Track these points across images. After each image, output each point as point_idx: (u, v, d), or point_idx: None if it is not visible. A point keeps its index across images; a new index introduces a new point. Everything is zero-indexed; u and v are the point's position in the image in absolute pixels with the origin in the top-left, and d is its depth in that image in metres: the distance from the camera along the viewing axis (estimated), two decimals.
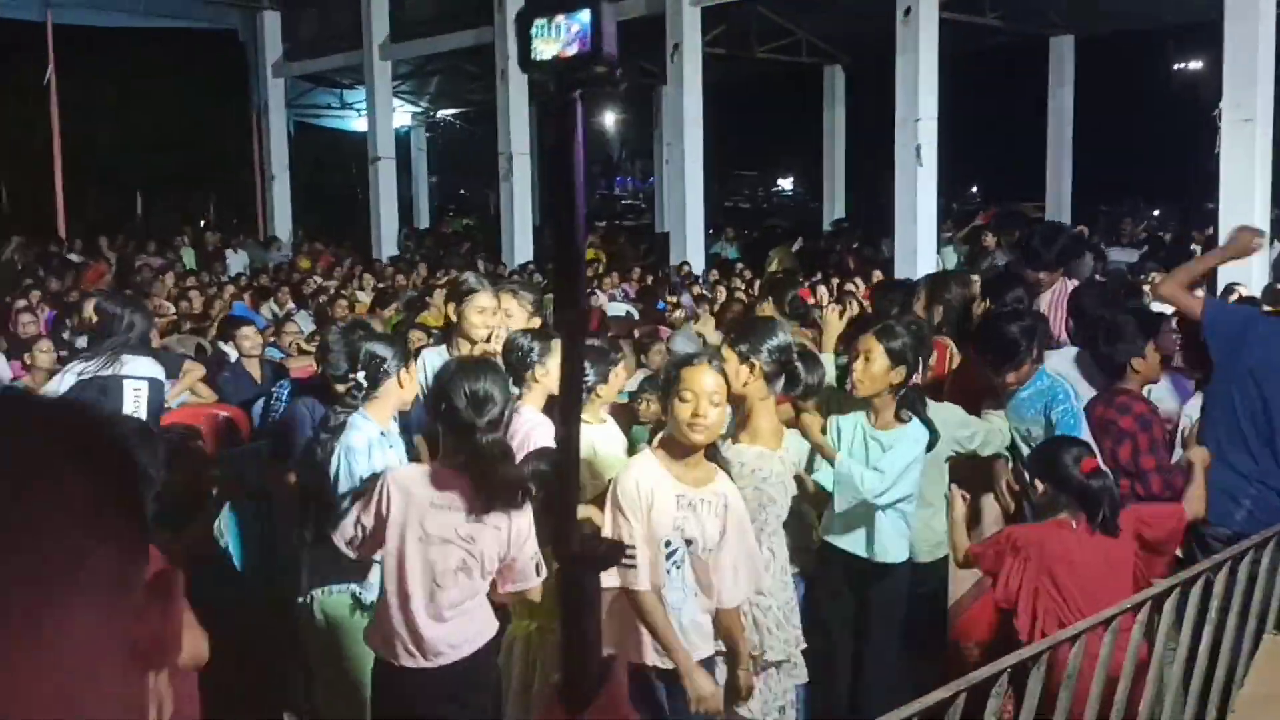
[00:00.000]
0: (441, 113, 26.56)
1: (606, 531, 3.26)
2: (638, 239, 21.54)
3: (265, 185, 21.32)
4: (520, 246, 17.32)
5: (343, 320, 8.83)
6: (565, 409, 1.01)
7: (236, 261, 17.50)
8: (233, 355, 7.72)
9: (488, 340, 4.71)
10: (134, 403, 5.38)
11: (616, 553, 1.01)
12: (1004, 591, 3.58)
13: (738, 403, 3.66)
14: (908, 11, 12.80)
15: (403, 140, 24.53)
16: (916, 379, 4.23)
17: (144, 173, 25.06)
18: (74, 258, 15.88)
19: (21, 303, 10.05)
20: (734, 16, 16.55)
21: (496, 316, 4.74)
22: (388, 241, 18.80)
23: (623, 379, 4.67)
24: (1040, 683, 2.88)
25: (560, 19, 1.10)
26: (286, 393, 6.86)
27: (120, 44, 20.13)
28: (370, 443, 3.72)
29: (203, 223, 22.23)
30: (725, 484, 3.40)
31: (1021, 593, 3.53)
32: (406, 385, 3.87)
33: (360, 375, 3.84)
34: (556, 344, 4.32)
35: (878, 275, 12.19)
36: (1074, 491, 3.60)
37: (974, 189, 33.26)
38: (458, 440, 3.22)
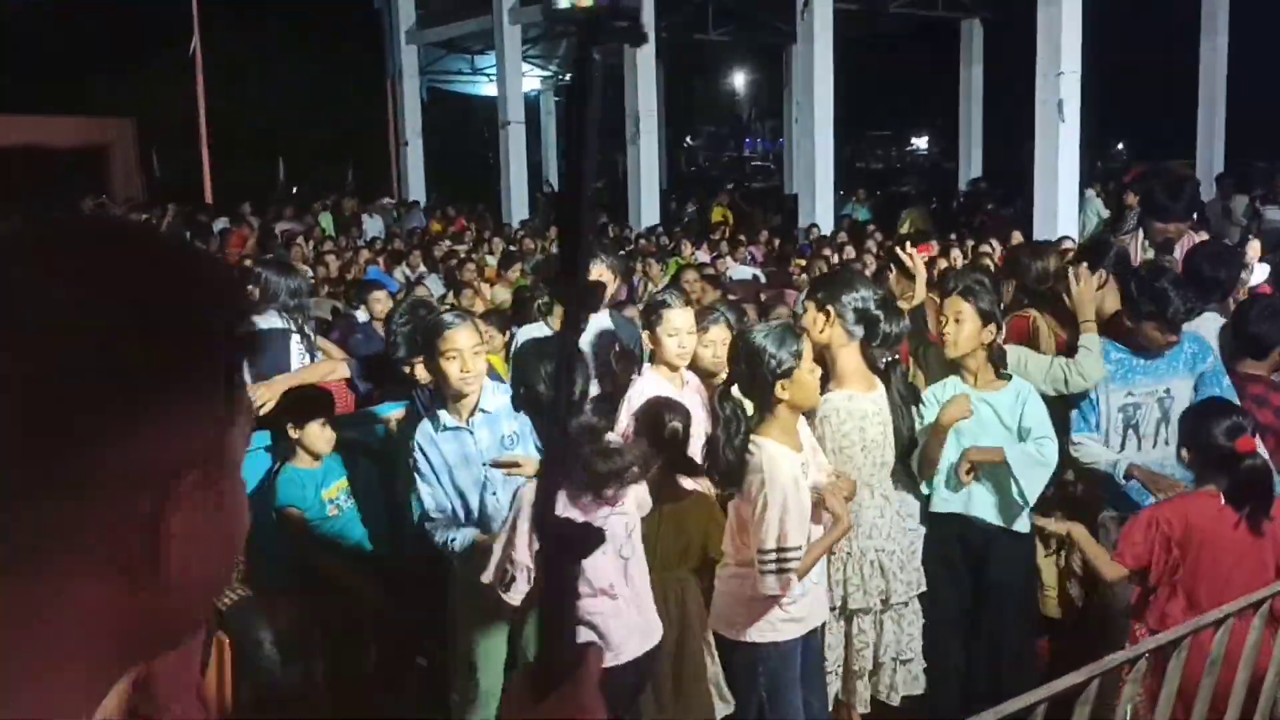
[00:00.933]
0: (570, 75, 26.64)
1: (771, 538, 3.17)
2: (767, 201, 21.31)
3: (399, 151, 21.74)
4: (647, 209, 17.27)
5: (467, 284, 8.97)
6: (560, 385, 0.96)
7: (372, 226, 17.90)
8: (364, 318, 7.92)
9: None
10: (300, 358, 5.52)
11: (595, 538, 0.97)
12: (1133, 557, 3.40)
13: (821, 353, 3.63)
14: None
15: (532, 105, 24.71)
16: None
17: (285, 141, 25.82)
18: (223, 223, 16.49)
19: None
20: None
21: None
22: (518, 205, 18.97)
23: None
24: (1180, 669, 2.72)
25: None
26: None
27: (263, 15, 20.66)
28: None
29: (341, 190, 22.78)
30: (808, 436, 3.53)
31: (1154, 562, 3.36)
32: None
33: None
34: (670, 314, 4.25)
35: (1016, 236, 11.80)
36: (1217, 464, 3.38)
37: (1119, 146, 31.91)
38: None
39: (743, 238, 14.47)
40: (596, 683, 0.98)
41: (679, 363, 4.22)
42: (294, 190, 22.34)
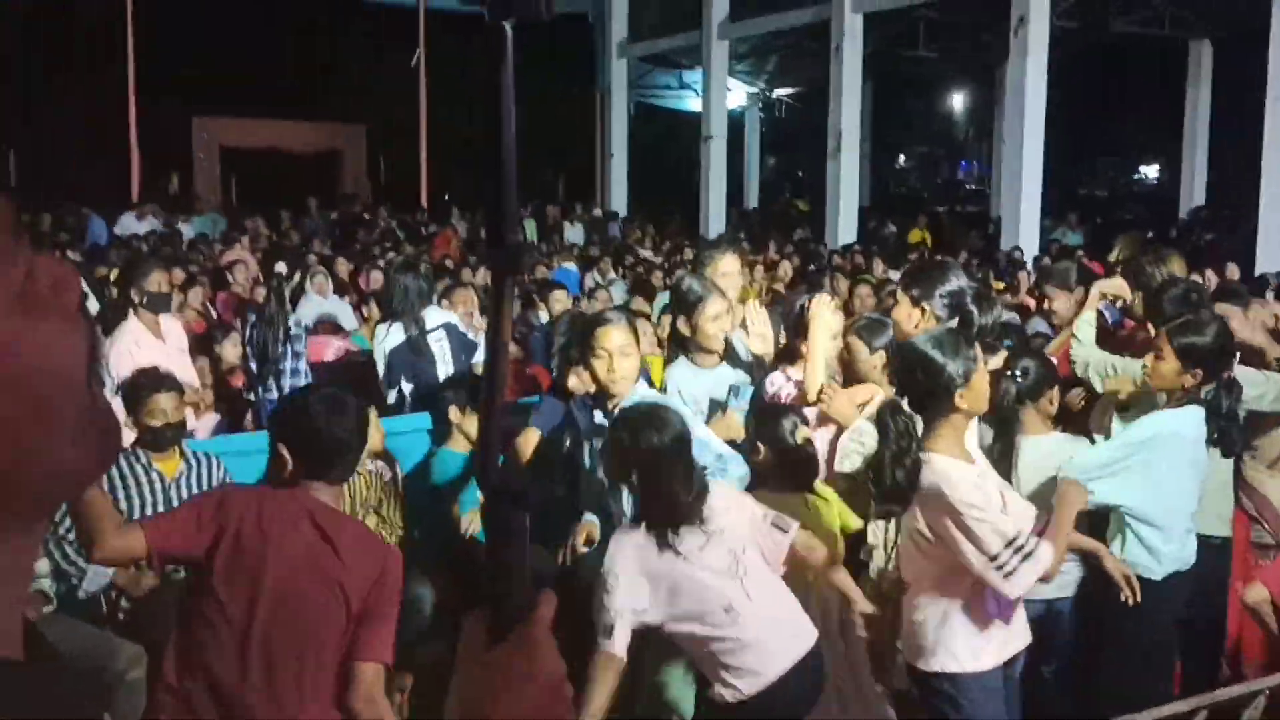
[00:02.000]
0: (778, 92, 26.59)
1: (995, 539, 3.05)
2: (975, 224, 20.68)
3: (605, 163, 22.23)
4: (845, 227, 17.09)
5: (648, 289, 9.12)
6: (493, 346, 0.99)
7: (573, 233, 18.36)
8: (545, 318, 8.13)
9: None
10: (441, 352, 5.73)
11: (534, 490, 0.98)
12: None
13: None
14: None
15: (737, 120, 24.78)
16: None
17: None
18: (434, 228, 17.28)
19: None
20: None
21: (728, 319, 4.42)
22: (715, 219, 19.11)
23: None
24: None
25: None
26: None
27: (483, 28, 21.47)
28: None
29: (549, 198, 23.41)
30: None
31: None
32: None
33: None
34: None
35: (1233, 268, 11.09)
36: None
37: None
38: None
39: (940, 258, 14.07)
40: (549, 628, 0.99)
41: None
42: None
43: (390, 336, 5.63)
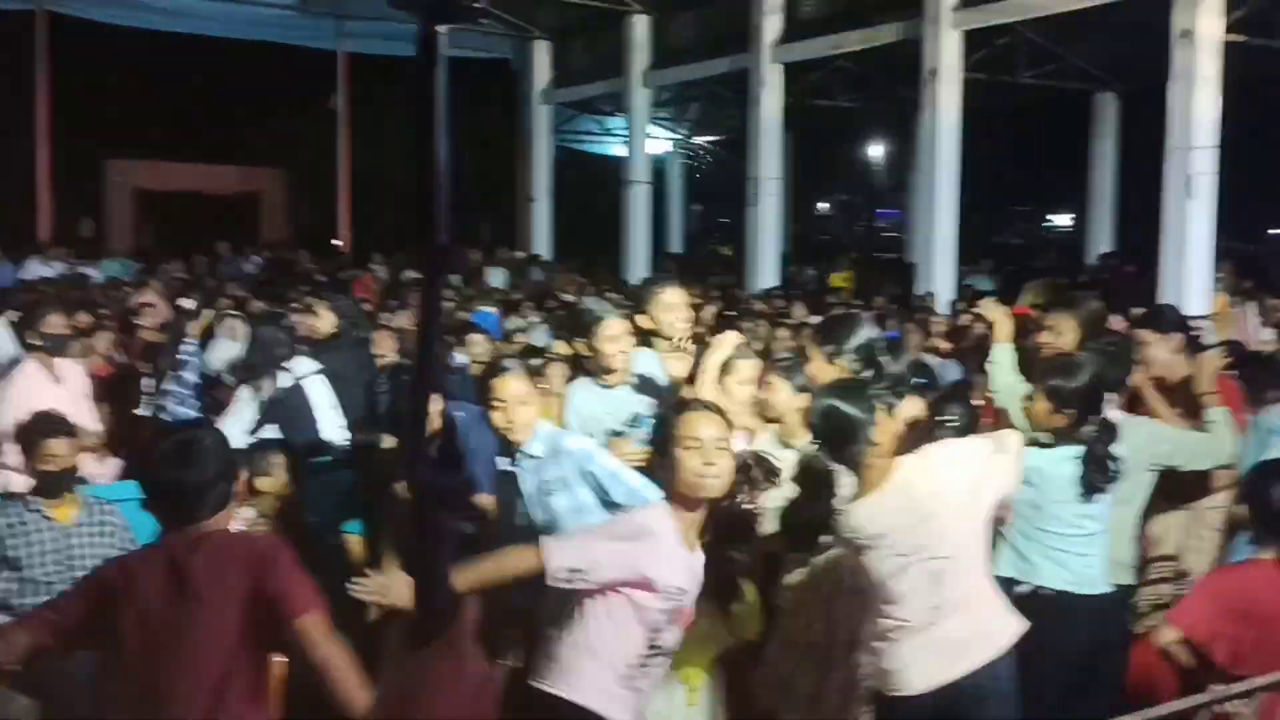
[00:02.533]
0: (698, 139, 26.95)
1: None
2: (893, 270, 21.06)
3: (527, 207, 22.28)
4: (766, 272, 17.31)
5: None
6: (422, 340, 0.99)
7: (496, 277, 18.30)
8: (464, 360, 8.10)
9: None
10: (320, 399, 5.68)
11: (468, 491, 0.98)
12: (1187, 620, 3.25)
13: None
14: (1185, 34, 11.96)
15: (660, 166, 25.04)
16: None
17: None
18: (355, 273, 17.12)
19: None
20: (997, 41, 15.96)
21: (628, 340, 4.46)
22: (639, 264, 19.20)
23: None
24: None
25: None
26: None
27: (404, 73, 21.46)
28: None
29: (474, 243, 23.37)
30: None
31: (1210, 634, 3.20)
32: None
33: None
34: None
35: (1137, 312, 11.41)
36: (1274, 525, 3.23)
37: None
38: None
39: (859, 303, 14.33)
40: (473, 633, 0.99)
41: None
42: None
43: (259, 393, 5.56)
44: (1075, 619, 3.84)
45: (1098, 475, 3.81)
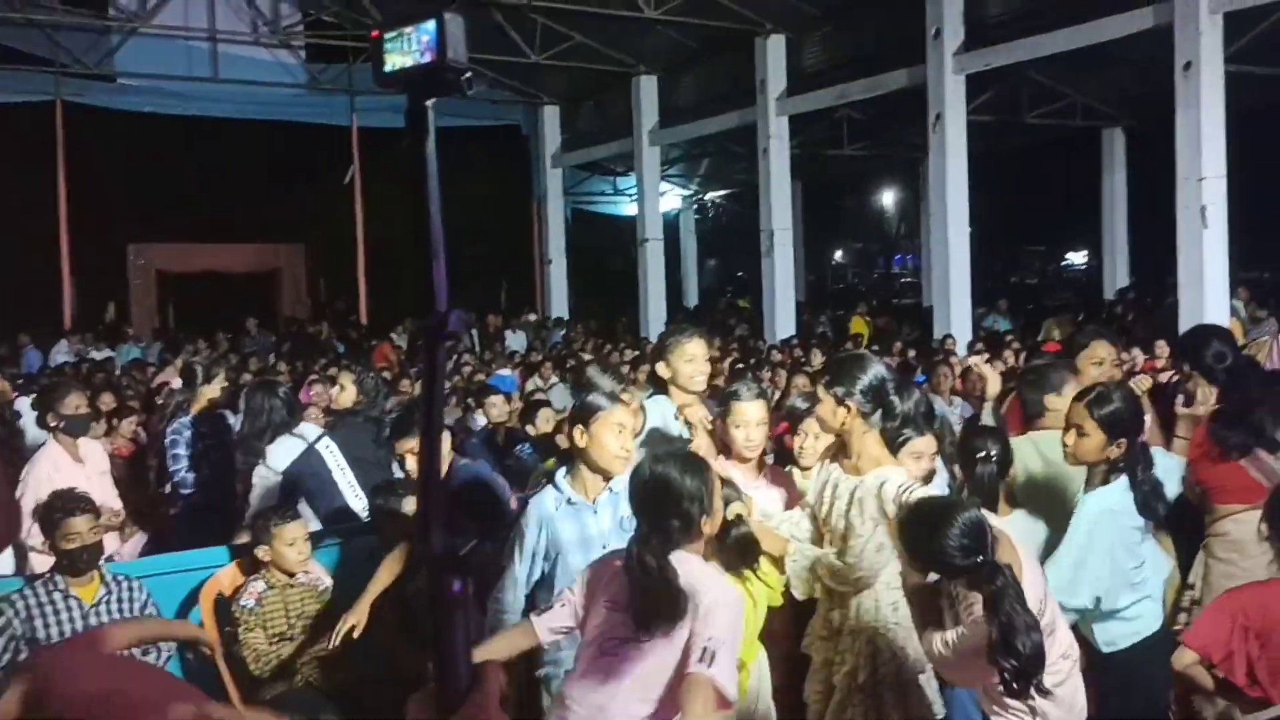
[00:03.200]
0: (710, 194, 27.18)
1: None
2: (911, 315, 21.08)
3: (543, 269, 22.44)
4: (783, 321, 17.33)
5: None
6: (428, 416, 1.00)
7: (515, 341, 18.40)
8: (482, 422, 8.13)
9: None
10: (335, 462, 5.68)
11: (481, 557, 0.97)
12: (1202, 641, 3.18)
13: (841, 439, 3.72)
14: (1188, 66, 12.01)
15: (672, 223, 25.24)
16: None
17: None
18: (375, 342, 17.27)
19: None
20: (1003, 82, 16.08)
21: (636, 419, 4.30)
22: (655, 320, 19.24)
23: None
24: None
25: (410, 31, 1.16)
26: (530, 455, 7.14)
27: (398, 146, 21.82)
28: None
29: (494, 307, 23.58)
30: None
31: (1227, 653, 3.13)
32: None
33: None
34: (739, 405, 4.23)
35: (1161, 346, 11.34)
36: None
37: None
38: None
39: (877, 348, 14.32)
40: (496, 701, 0.98)
41: (747, 454, 4.18)
42: None
43: (276, 457, 5.56)
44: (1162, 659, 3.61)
45: (1156, 503, 3.69)
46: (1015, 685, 2.77)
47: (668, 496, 2.90)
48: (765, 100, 17.06)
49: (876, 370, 3.63)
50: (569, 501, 3.75)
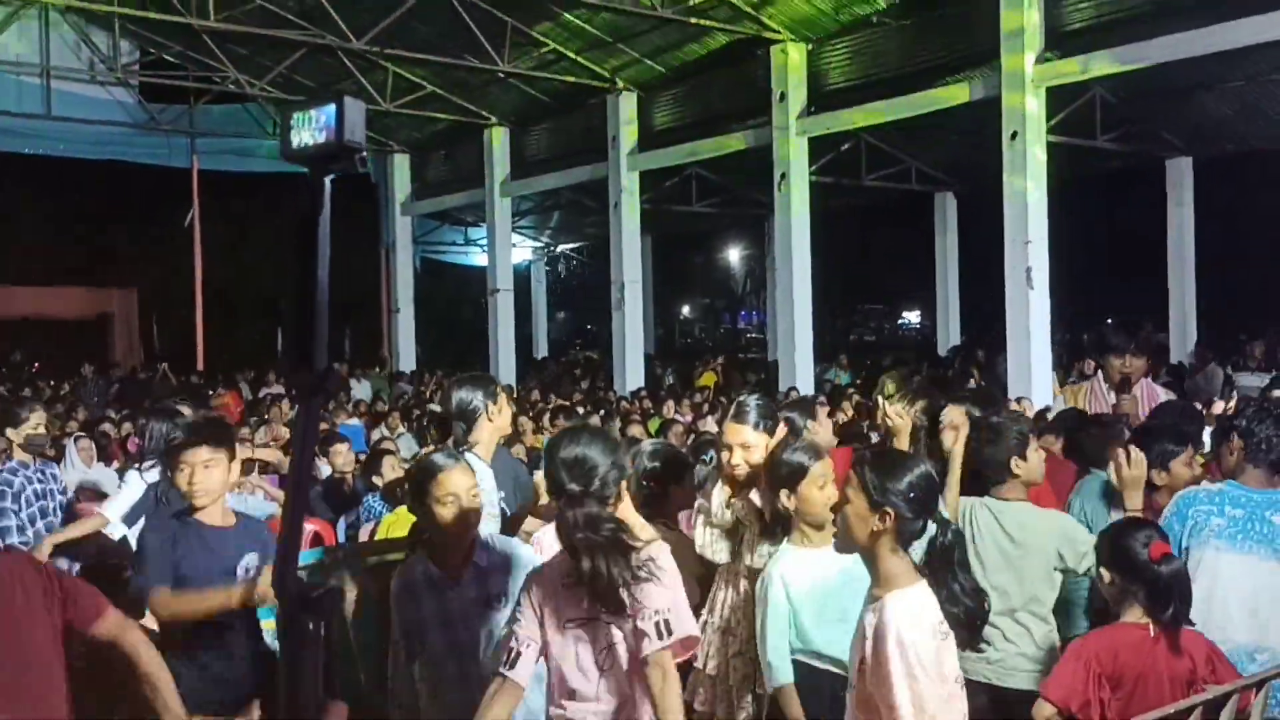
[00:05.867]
0: (561, 247, 27.33)
1: None
2: (756, 369, 21.54)
3: (391, 319, 22.15)
4: (632, 373, 17.50)
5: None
6: (298, 466, 1.03)
7: (361, 390, 18.05)
8: (327, 471, 7.98)
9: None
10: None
11: (334, 599, 1.00)
12: (1061, 693, 3.32)
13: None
14: (1014, 135, 12.73)
15: (523, 274, 25.26)
16: None
17: (280, 308, 26.28)
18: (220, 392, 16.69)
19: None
20: (844, 145, 16.73)
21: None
22: (505, 371, 19.21)
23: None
24: None
25: (314, 111, 1.31)
26: (380, 506, 7.03)
27: (259, 188, 21.31)
28: None
29: (338, 356, 23.08)
30: None
31: (1084, 702, 3.28)
32: None
33: None
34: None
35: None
36: (1137, 577, 3.36)
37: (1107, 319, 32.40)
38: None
39: (723, 399, 14.60)
40: None
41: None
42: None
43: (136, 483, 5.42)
44: None
45: None
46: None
47: (587, 466, 3.00)
48: (617, 155, 17.33)
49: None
50: (428, 579, 3.59)
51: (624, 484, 3.13)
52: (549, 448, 3.19)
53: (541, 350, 26.13)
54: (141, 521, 5.10)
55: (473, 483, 3.59)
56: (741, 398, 4.21)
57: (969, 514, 4.07)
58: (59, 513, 6.05)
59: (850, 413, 11.51)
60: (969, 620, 2.85)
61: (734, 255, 41.75)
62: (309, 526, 6.84)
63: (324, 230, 1.15)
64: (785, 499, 3.73)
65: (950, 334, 21.00)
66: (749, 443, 4.00)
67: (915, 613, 2.76)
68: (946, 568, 2.84)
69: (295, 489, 1.04)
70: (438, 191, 21.95)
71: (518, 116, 19.52)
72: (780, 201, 15.33)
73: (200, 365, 19.97)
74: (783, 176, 15.22)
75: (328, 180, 1.28)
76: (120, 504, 5.63)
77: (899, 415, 4.66)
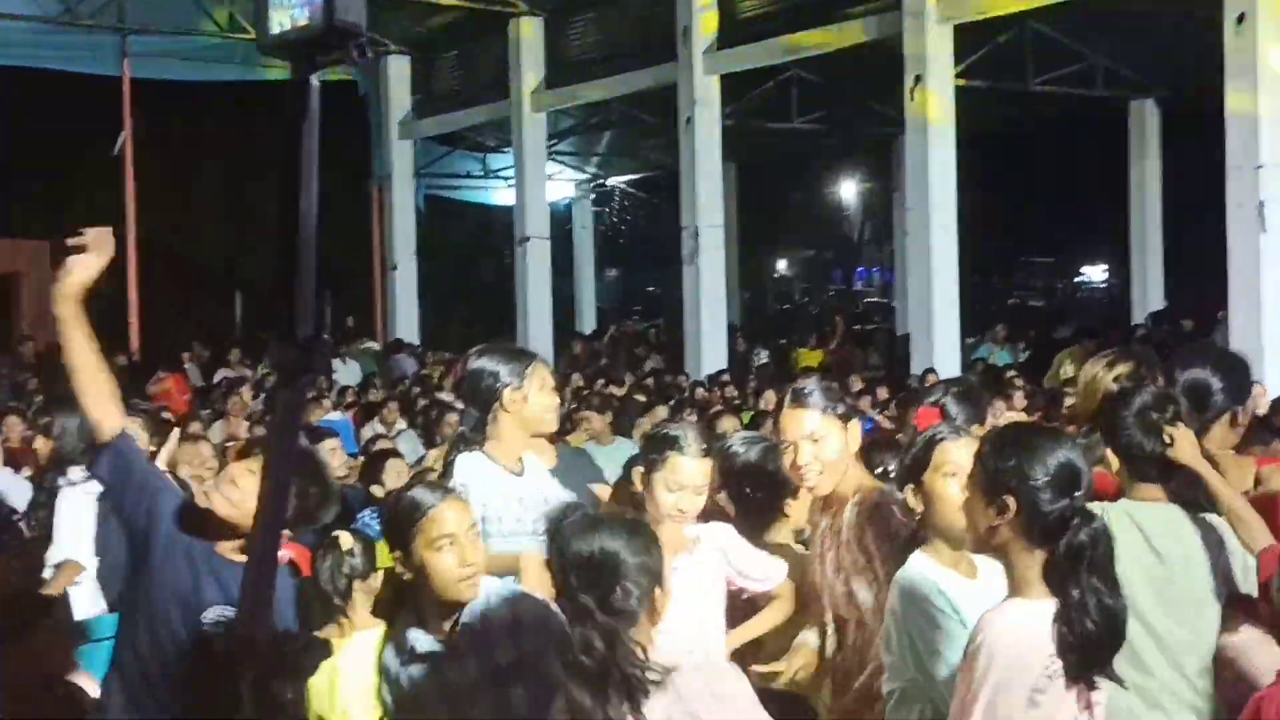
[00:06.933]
0: (613, 179, 27.34)
1: None
2: (883, 345, 21.45)
3: (385, 277, 22.29)
4: (710, 350, 17.44)
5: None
6: (274, 468, 1.02)
7: (346, 373, 18.21)
8: None
9: None
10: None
11: (316, 656, 0.99)
12: None
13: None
14: (1241, 19, 12.44)
15: (563, 217, 25.30)
16: None
17: (242, 266, 26.64)
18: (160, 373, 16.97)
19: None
20: (999, 37, 16.46)
21: None
22: (538, 342, 19.21)
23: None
24: None
25: None
26: (376, 524, 7.06)
27: (208, 103, 21.50)
28: None
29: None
30: None
31: None
32: None
33: None
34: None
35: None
36: None
37: None
38: None
39: (834, 385, 14.54)
40: None
41: (673, 522, 4.17)
42: (246, 329, 22.95)
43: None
44: None
45: None
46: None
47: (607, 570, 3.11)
48: (689, 53, 17.24)
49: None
50: (413, 651, 3.68)
51: (657, 593, 3.20)
52: (554, 535, 3.36)
53: (587, 320, 26.23)
54: None
55: (471, 519, 3.68)
56: (797, 384, 4.28)
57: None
58: None
59: (1020, 405, 11.36)
60: (1083, 645, 2.92)
61: (848, 190, 41.59)
62: (284, 553, 6.91)
63: (310, 148, 1.13)
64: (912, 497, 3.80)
65: (1149, 296, 20.72)
66: (817, 433, 4.05)
67: (1015, 638, 2.95)
68: (1073, 573, 2.93)
69: (269, 504, 1.02)
70: (447, 106, 22.02)
71: (554, 1, 19.50)
72: (913, 116, 15.16)
73: (134, 342, 20.25)
74: (917, 80, 15.03)
75: (314, 79, 1.22)
76: (76, 536, 5.77)
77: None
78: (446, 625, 3.65)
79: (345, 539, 4.32)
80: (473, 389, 4.49)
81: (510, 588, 3.94)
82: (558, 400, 4.73)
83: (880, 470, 4.62)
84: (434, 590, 3.61)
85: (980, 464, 3.08)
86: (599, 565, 3.11)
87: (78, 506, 5.79)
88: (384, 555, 4.60)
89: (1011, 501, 2.95)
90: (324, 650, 3.87)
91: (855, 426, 4.21)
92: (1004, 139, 22.80)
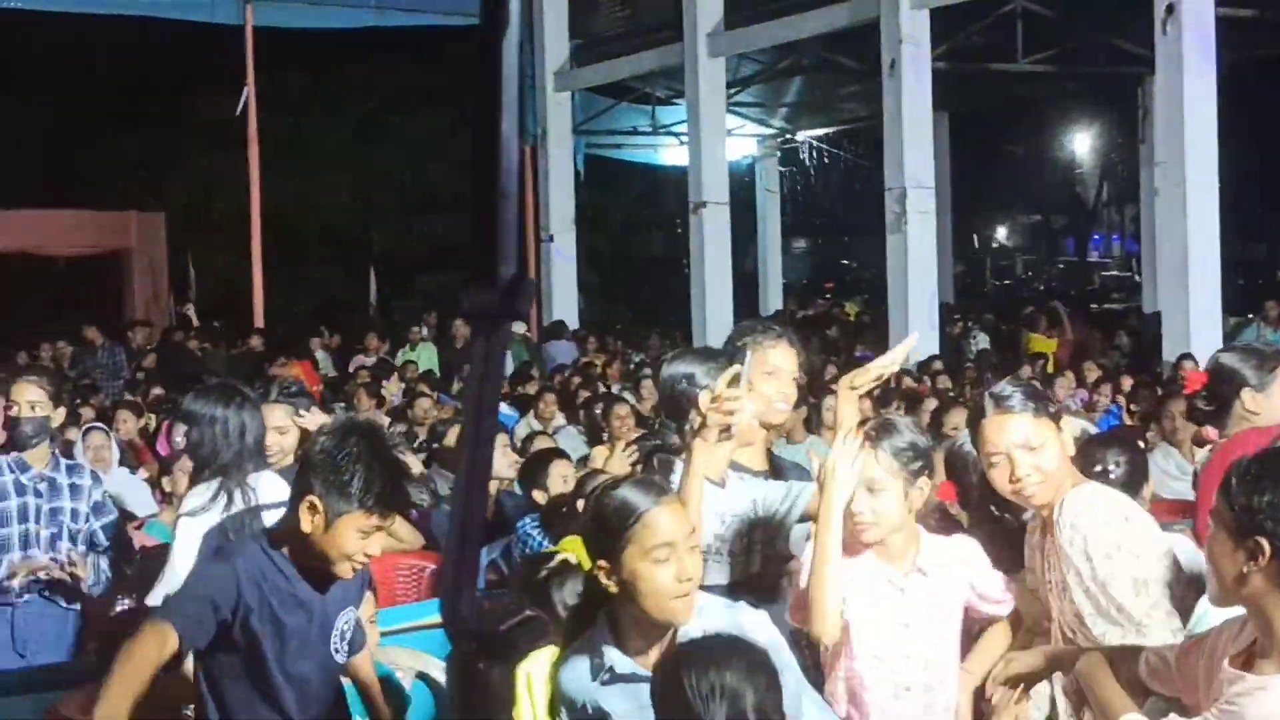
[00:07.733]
0: (803, 135, 27.21)
1: None
2: (1127, 327, 21.15)
3: (539, 250, 22.52)
4: (920, 332, 17.28)
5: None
6: (475, 431, 1.05)
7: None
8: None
9: None
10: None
11: (535, 635, 1.04)
12: None
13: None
14: None
15: (744, 179, 25.28)
16: None
17: (378, 240, 27.15)
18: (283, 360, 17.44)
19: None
20: None
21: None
22: (716, 329, 19.26)
23: None
24: None
25: None
26: (539, 537, 7.17)
27: (347, 57, 21.79)
28: None
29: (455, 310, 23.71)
30: None
31: None
32: None
33: None
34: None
35: None
36: None
37: None
38: None
39: (1069, 374, 14.41)
40: None
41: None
42: (383, 310, 23.39)
43: (206, 511, 5.56)
44: None
45: None
46: None
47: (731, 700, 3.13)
48: None
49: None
50: (613, 672, 3.65)
51: None
52: (672, 666, 3.30)
53: (773, 298, 26.18)
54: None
55: (690, 526, 3.68)
56: (993, 388, 4.27)
57: None
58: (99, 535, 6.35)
59: None
60: None
61: (1082, 144, 40.93)
62: (426, 564, 7.07)
63: (509, 61, 1.17)
64: None
65: None
66: (1032, 440, 4.00)
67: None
68: None
69: (470, 475, 1.05)
70: (611, 52, 22.17)
71: None
72: (1165, 51, 14.88)
73: (258, 322, 20.79)
74: (1169, 8, 14.74)
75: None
76: (169, 582, 5.69)
77: None
78: (650, 649, 3.62)
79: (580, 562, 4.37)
80: (664, 395, 4.66)
81: (719, 600, 3.92)
82: (787, 387, 4.68)
83: (1099, 469, 4.56)
84: (642, 608, 3.59)
85: (1225, 499, 2.99)
86: (724, 693, 3.17)
87: (192, 541, 5.72)
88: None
89: (1266, 545, 2.88)
90: (541, 630, 3.92)
91: (1069, 426, 4.21)
92: (1275, 76, 22.22)
